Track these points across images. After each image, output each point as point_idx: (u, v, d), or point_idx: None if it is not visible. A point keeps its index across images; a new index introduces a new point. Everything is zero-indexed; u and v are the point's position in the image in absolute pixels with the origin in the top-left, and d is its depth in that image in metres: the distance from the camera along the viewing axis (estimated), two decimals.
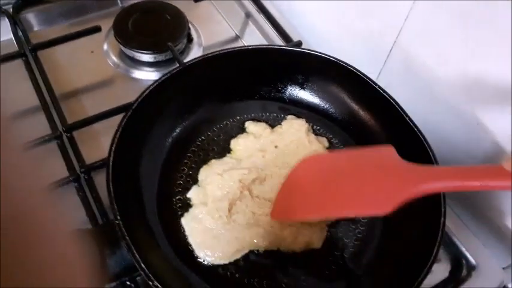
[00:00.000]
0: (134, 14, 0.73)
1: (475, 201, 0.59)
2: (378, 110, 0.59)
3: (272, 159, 0.57)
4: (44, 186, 0.19)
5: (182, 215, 0.52)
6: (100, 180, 0.55)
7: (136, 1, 0.76)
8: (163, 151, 0.57)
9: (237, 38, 0.79)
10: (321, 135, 0.61)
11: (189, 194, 0.54)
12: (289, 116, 0.62)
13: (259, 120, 0.62)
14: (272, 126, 0.61)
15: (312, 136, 0.60)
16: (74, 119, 0.61)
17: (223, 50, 0.60)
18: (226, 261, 0.50)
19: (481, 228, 0.59)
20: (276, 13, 0.79)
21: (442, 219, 0.47)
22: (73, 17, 0.77)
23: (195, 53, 0.75)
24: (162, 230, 0.50)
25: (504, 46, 0.47)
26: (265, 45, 0.73)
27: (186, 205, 0.53)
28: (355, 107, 0.62)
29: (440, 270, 0.55)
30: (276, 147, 0.58)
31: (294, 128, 0.60)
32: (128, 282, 0.48)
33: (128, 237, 0.42)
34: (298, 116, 0.62)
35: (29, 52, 0.68)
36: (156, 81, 0.56)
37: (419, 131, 0.54)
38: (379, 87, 0.57)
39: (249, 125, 0.61)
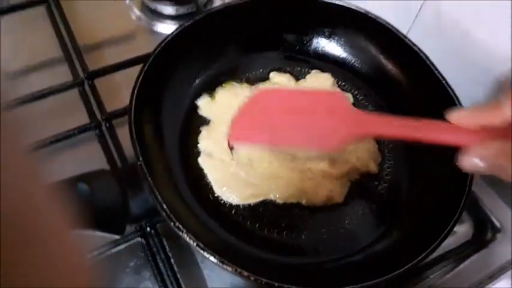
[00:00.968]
0: None
1: None
2: (407, 64, 0.58)
3: None
4: (44, 186, 0.19)
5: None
6: (121, 130, 0.55)
7: None
8: (186, 98, 0.56)
9: None
10: (345, 91, 0.60)
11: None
12: (314, 70, 0.61)
13: (284, 72, 0.61)
14: (297, 79, 0.60)
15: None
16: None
17: None
18: (243, 202, 0.50)
19: (506, 189, 0.57)
20: None
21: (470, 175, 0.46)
22: None
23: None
24: (183, 173, 0.50)
25: None
26: None
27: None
28: (383, 61, 0.60)
29: (463, 232, 0.55)
30: None
31: (319, 82, 0.59)
32: (148, 229, 0.48)
33: (149, 179, 0.42)
34: (323, 71, 0.61)
35: None
36: (177, 28, 0.55)
37: (450, 86, 0.52)
38: (410, 40, 0.55)
39: (274, 75, 0.60)
